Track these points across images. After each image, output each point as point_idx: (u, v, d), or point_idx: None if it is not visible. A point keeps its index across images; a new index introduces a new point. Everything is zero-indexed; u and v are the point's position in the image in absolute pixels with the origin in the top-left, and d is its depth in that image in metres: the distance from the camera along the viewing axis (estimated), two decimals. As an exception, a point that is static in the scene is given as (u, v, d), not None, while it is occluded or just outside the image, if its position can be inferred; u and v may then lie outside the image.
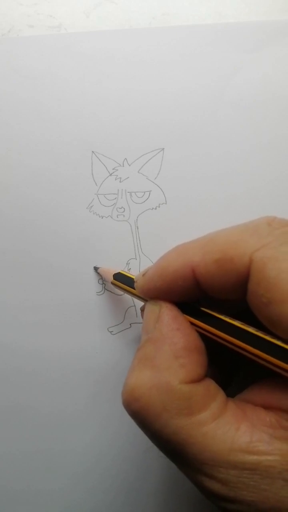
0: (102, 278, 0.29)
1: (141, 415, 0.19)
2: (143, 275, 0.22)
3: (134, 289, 0.23)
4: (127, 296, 0.29)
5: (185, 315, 0.21)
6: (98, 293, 0.30)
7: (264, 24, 0.29)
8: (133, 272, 0.26)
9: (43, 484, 0.30)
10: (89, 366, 0.30)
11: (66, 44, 0.30)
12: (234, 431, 0.18)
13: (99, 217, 0.30)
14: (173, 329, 0.20)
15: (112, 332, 0.30)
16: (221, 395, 0.19)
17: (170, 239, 0.29)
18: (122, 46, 0.30)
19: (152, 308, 0.21)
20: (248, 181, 0.29)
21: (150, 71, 0.30)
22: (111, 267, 0.28)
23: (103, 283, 0.30)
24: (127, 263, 0.30)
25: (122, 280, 0.26)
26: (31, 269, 0.30)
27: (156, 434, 0.19)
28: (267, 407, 0.18)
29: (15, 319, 0.30)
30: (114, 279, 0.26)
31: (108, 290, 0.30)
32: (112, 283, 0.26)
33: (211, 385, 0.19)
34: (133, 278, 0.24)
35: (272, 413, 0.18)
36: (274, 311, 0.17)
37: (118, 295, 0.30)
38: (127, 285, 0.25)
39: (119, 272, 0.26)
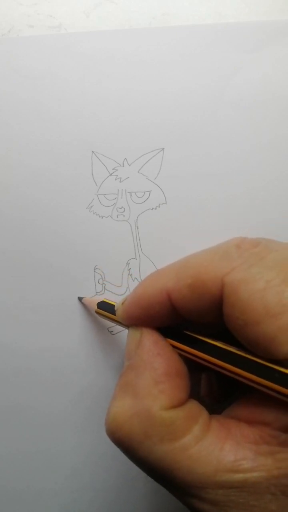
0: (86, 308, 0.29)
1: (125, 444, 0.19)
2: (122, 303, 0.22)
3: None
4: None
5: (167, 339, 0.21)
6: (98, 293, 0.30)
7: (264, 24, 0.29)
8: (133, 272, 0.26)
9: (42, 484, 0.30)
10: (89, 366, 0.30)
11: (66, 44, 0.30)
12: (218, 451, 0.18)
13: (99, 217, 0.30)
14: (153, 355, 0.20)
15: (112, 332, 0.30)
16: (203, 416, 0.19)
17: (170, 239, 0.29)
18: (122, 46, 0.30)
19: (134, 334, 0.21)
20: (248, 181, 0.29)
21: (150, 71, 0.30)
22: (95, 297, 0.28)
23: (103, 283, 0.30)
24: (127, 263, 0.30)
25: (105, 309, 0.26)
26: (31, 269, 0.30)
27: (141, 461, 0.19)
28: (251, 422, 0.18)
29: (15, 319, 0.30)
30: (98, 307, 0.26)
31: (108, 290, 0.30)
32: (96, 312, 0.26)
33: (193, 407, 0.19)
34: (114, 306, 0.25)
35: (255, 429, 0.18)
36: (251, 332, 0.17)
37: (118, 294, 0.30)
38: (110, 313, 0.25)
39: (103, 301, 0.26)
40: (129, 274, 0.30)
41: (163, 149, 0.30)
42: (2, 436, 0.30)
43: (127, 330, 0.30)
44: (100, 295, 0.30)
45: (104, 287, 0.30)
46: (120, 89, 0.30)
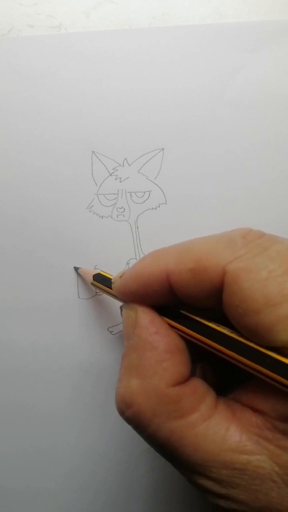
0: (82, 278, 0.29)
1: (135, 421, 0.19)
2: (120, 276, 0.22)
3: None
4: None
5: (163, 317, 0.21)
6: (98, 293, 0.30)
7: (264, 24, 0.29)
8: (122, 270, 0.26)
9: (41, 483, 0.30)
10: (89, 366, 0.30)
11: (66, 44, 0.30)
12: (224, 431, 0.18)
13: (99, 217, 0.30)
14: (151, 333, 0.20)
15: (112, 332, 0.30)
16: (210, 395, 0.20)
17: (170, 239, 0.29)
18: (122, 46, 0.30)
19: (128, 313, 0.22)
20: (248, 181, 0.29)
21: (150, 71, 0.30)
22: (91, 269, 0.28)
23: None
24: (127, 263, 0.30)
25: (101, 281, 0.26)
26: (31, 269, 0.30)
27: (150, 437, 0.19)
28: (253, 409, 0.19)
29: (15, 319, 0.30)
30: (93, 279, 0.26)
31: (108, 290, 0.30)
32: (91, 284, 0.26)
33: (199, 386, 0.20)
34: (111, 279, 0.24)
35: (258, 415, 0.18)
36: (250, 321, 0.17)
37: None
38: (106, 286, 0.25)
39: (99, 273, 0.26)
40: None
41: (163, 149, 0.30)
42: (3, 435, 0.30)
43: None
44: (100, 295, 0.30)
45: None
46: (120, 89, 0.30)
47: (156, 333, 0.20)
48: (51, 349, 0.30)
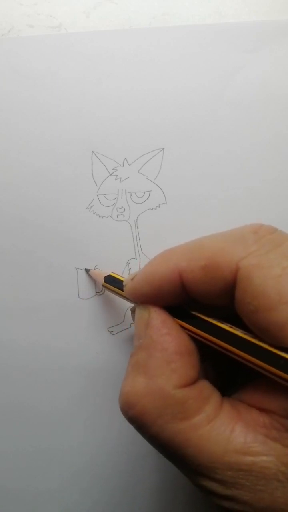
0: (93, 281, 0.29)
1: (138, 421, 0.19)
2: (132, 279, 0.22)
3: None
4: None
5: (175, 318, 0.21)
6: (98, 293, 0.30)
7: (264, 24, 0.29)
8: (133, 272, 0.26)
9: (41, 484, 0.30)
10: (89, 366, 0.30)
11: (66, 44, 0.30)
12: (229, 433, 0.18)
13: (99, 217, 0.30)
14: (162, 334, 0.20)
15: (112, 332, 0.30)
16: (215, 396, 0.19)
17: (170, 239, 0.29)
18: (122, 46, 0.30)
19: (142, 313, 0.21)
20: (248, 181, 0.29)
21: (150, 71, 0.30)
22: (103, 270, 0.28)
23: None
24: (127, 263, 0.30)
25: (113, 283, 0.26)
26: (31, 269, 0.30)
27: (154, 438, 0.19)
28: (260, 408, 0.19)
29: (15, 319, 0.30)
30: (105, 281, 0.26)
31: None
32: (103, 285, 0.26)
33: (205, 387, 0.20)
34: (123, 281, 0.24)
35: (265, 414, 0.18)
36: (262, 319, 0.17)
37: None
38: (117, 288, 0.25)
39: (110, 275, 0.26)
40: (129, 274, 0.30)
41: (163, 149, 0.30)
42: (4, 435, 0.30)
43: (127, 331, 0.30)
44: (100, 295, 0.30)
45: (104, 287, 0.30)
46: (120, 89, 0.30)
47: (168, 334, 0.20)
48: (51, 349, 0.30)
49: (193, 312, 0.20)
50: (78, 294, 0.30)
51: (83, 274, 0.30)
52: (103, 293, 0.30)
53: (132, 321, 0.30)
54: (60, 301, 0.30)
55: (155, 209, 0.30)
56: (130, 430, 0.29)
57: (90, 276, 0.29)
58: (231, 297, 0.19)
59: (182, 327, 0.21)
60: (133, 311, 0.25)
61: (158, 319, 0.21)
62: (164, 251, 0.21)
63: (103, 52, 0.30)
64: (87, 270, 0.29)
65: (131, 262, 0.30)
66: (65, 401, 0.30)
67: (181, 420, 0.18)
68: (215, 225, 0.30)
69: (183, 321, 0.21)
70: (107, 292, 0.30)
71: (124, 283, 0.23)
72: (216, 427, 0.18)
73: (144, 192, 0.30)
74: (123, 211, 0.30)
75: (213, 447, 0.18)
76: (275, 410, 0.18)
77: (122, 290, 0.24)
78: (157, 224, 0.30)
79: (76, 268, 0.30)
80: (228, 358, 0.19)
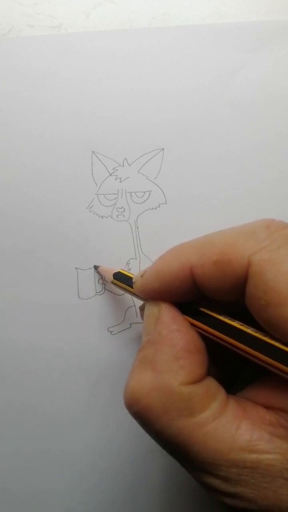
0: (102, 278, 0.29)
1: (142, 417, 0.19)
2: (142, 276, 0.22)
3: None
4: (127, 296, 0.29)
5: (184, 315, 0.21)
6: (98, 293, 0.30)
7: (264, 24, 0.30)
8: (133, 272, 0.26)
9: (43, 485, 0.30)
10: (89, 366, 0.30)
11: (66, 44, 0.30)
12: (234, 430, 0.18)
13: (99, 217, 0.30)
14: (172, 330, 0.20)
15: (112, 332, 0.30)
16: (221, 393, 0.19)
17: (170, 239, 0.29)
18: (122, 46, 0.30)
19: (152, 309, 0.21)
20: (248, 181, 0.29)
21: (150, 71, 0.30)
22: (111, 266, 0.28)
23: (103, 283, 0.30)
24: (127, 263, 0.30)
25: (122, 280, 0.26)
26: (31, 269, 0.30)
27: (158, 434, 0.19)
28: (266, 406, 0.19)
29: (15, 319, 0.30)
30: (114, 278, 0.26)
31: (108, 290, 0.30)
32: (112, 282, 0.26)
33: (211, 384, 0.19)
34: (132, 278, 0.24)
35: (272, 412, 0.18)
36: (272, 314, 0.17)
37: (118, 295, 0.30)
38: (127, 285, 0.25)
39: (119, 271, 0.26)
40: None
41: (163, 149, 0.30)
42: (4, 435, 0.30)
43: (127, 331, 0.30)
44: (100, 295, 0.30)
45: (104, 287, 0.30)
46: (120, 89, 0.30)
47: (177, 330, 0.20)
48: (51, 349, 0.30)
49: (203, 309, 0.20)
50: (78, 294, 0.30)
51: (83, 274, 0.30)
52: (103, 293, 0.30)
53: (132, 321, 0.30)
54: (60, 301, 0.30)
55: (155, 209, 0.30)
56: (131, 429, 0.29)
57: (98, 272, 0.29)
58: (242, 292, 0.18)
59: (191, 324, 0.20)
60: (141, 309, 0.25)
61: (168, 315, 0.20)
62: (174, 247, 0.21)
63: (103, 52, 0.30)
64: (95, 267, 0.29)
65: (131, 262, 0.30)
66: (65, 401, 0.30)
67: (186, 417, 0.18)
68: (215, 225, 0.30)
69: (193, 318, 0.20)
70: (107, 292, 0.30)
71: (133, 280, 0.23)
72: (221, 424, 0.18)
73: (144, 192, 0.30)
74: (123, 211, 0.30)
75: (219, 444, 0.17)
76: (282, 408, 0.18)
77: (131, 287, 0.24)
78: (157, 224, 0.30)
79: (76, 268, 0.30)
80: (234, 356, 0.19)
